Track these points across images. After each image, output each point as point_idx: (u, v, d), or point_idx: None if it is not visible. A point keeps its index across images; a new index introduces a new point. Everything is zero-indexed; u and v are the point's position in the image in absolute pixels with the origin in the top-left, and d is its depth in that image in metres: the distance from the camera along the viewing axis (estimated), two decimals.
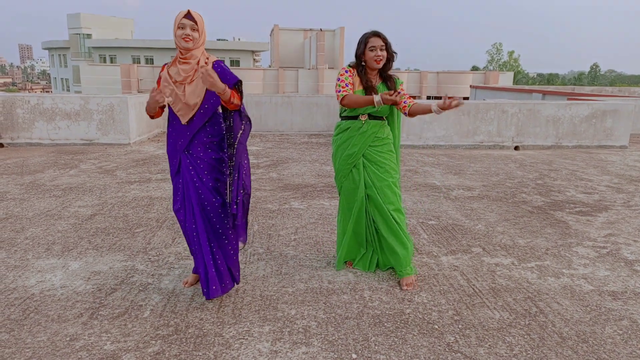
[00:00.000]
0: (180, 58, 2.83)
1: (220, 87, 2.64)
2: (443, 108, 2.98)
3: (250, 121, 2.99)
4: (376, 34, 3.18)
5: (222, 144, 2.90)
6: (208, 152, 2.88)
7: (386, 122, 3.37)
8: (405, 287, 3.17)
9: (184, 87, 2.82)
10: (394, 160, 3.40)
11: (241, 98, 2.84)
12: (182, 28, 2.76)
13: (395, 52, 3.25)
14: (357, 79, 3.26)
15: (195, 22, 2.77)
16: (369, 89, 3.22)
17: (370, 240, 3.44)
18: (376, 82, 3.30)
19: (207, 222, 2.88)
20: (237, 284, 3.11)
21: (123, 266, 3.48)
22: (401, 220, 3.31)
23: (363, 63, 3.23)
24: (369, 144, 3.29)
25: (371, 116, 3.28)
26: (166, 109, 2.97)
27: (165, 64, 2.94)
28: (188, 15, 2.76)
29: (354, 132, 3.29)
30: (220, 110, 2.91)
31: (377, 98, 3.06)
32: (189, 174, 2.86)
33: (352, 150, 3.29)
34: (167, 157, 3.09)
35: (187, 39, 2.76)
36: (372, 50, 3.16)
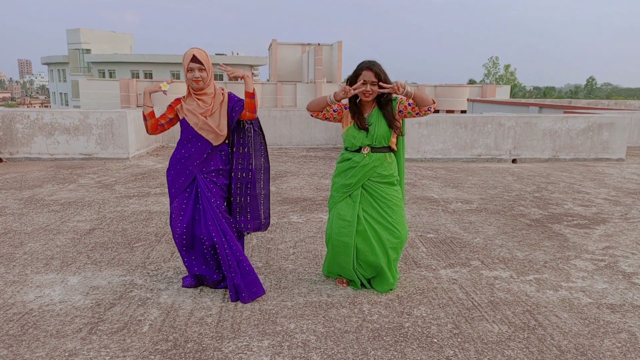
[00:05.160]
0: (195, 94, 3.13)
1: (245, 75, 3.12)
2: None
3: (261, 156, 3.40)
4: (369, 67, 3.05)
5: (228, 172, 3.27)
6: (220, 178, 3.21)
7: (391, 156, 3.25)
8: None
9: (206, 118, 3.12)
10: (399, 195, 3.29)
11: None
12: (191, 71, 3.05)
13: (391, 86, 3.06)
14: (348, 116, 3.22)
15: (202, 63, 3.04)
16: (360, 122, 3.17)
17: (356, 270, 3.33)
18: (371, 108, 3.21)
19: (228, 236, 3.15)
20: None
21: (122, 281, 3.47)
22: (393, 259, 3.29)
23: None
24: (369, 178, 3.22)
25: (373, 149, 3.19)
26: (173, 131, 3.28)
27: (180, 98, 3.22)
28: (194, 59, 3.02)
29: (355, 164, 3.22)
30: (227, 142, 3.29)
31: (330, 96, 3.10)
32: (205, 195, 3.14)
33: (349, 181, 3.24)
34: (166, 173, 3.22)
35: (197, 81, 3.06)
36: (363, 84, 3.08)
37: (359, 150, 3.22)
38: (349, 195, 3.27)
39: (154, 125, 3.18)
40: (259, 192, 3.32)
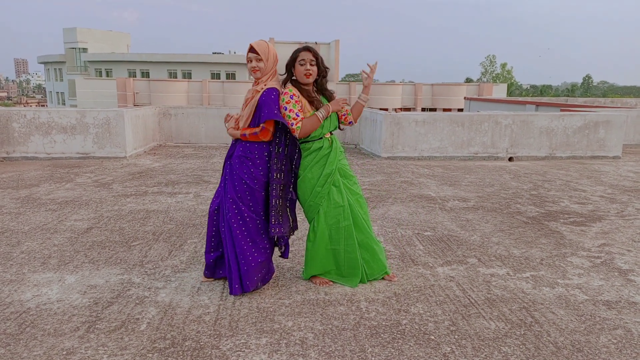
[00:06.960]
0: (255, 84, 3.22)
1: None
2: (366, 85, 3.30)
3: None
4: (307, 49, 3.18)
5: (260, 162, 3.13)
6: (242, 165, 3.12)
7: None
8: (395, 279, 3.48)
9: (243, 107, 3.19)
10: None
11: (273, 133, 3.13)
12: (250, 62, 3.13)
13: (327, 68, 3.24)
14: (303, 100, 3.19)
15: (258, 53, 3.08)
16: (312, 103, 3.20)
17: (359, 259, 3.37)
18: (318, 95, 3.32)
19: (228, 228, 3.16)
20: (244, 292, 3.22)
21: (119, 279, 3.48)
22: (370, 228, 3.45)
23: (294, 77, 3.25)
24: (339, 159, 3.34)
25: (331, 132, 3.34)
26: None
27: None
28: (252, 50, 3.10)
29: (327, 150, 3.25)
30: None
31: (320, 114, 3.14)
32: (224, 182, 3.21)
33: (330, 169, 3.23)
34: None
35: (255, 70, 3.12)
36: (302, 65, 3.15)
37: (321, 138, 3.28)
38: (333, 184, 3.27)
39: None
40: (290, 196, 3.26)
